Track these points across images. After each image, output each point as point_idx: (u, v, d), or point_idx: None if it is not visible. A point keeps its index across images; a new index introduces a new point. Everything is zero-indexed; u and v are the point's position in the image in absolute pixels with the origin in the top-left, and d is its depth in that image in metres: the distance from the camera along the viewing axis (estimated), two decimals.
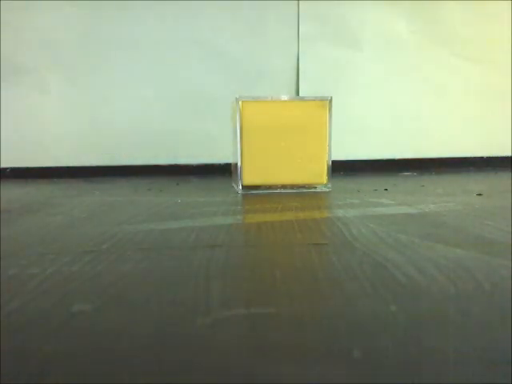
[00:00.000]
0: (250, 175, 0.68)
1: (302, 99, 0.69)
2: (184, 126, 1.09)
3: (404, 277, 0.25)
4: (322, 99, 0.67)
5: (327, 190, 0.68)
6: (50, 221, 0.47)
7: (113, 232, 0.40)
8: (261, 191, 0.68)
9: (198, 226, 0.41)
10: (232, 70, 1.07)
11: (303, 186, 0.69)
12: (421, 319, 0.20)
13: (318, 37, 1.07)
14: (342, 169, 1.04)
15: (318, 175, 0.68)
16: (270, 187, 0.69)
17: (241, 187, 0.68)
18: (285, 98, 0.68)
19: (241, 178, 0.67)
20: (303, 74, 1.07)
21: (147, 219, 0.46)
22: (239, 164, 0.67)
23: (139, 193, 0.72)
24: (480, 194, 0.61)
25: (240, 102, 0.66)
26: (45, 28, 1.04)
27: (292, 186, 0.69)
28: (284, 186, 0.68)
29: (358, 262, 0.28)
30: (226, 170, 1.03)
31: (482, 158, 1.13)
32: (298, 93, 1.08)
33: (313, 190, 0.68)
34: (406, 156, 1.11)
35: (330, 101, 0.67)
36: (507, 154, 1.11)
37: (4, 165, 1.05)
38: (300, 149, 0.67)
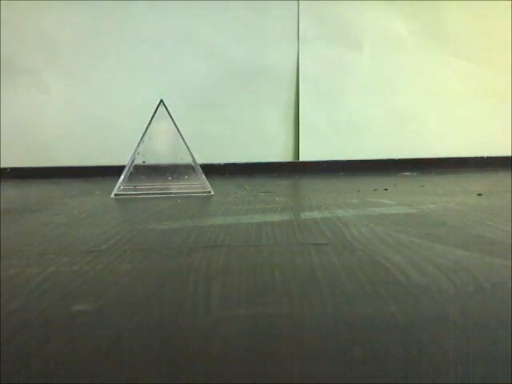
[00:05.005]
0: None
1: None
2: (183, 126, 1.09)
3: (404, 277, 0.25)
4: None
5: (328, 190, 0.68)
6: (50, 221, 0.47)
7: (113, 232, 0.40)
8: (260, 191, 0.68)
9: (198, 226, 0.41)
10: (232, 70, 1.07)
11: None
12: (420, 319, 0.20)
13: (318, 37, 1.07)
14: (342, 169, 1.04)
15: None
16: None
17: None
18: None
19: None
20: (303, 74, 1.07)
21: (147, 219, 0.46)
22: None
23: None
24: (480, 194, 0.61)
25: None
26: (45, 28, 1.04)
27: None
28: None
29: (358, 261, 0.28)
30: (226, 171, 1.04)
31: (482, 157, 1.13)
32: (297, 93, 1.08)
33: (313, 190, 0.68)
34: (406, 156, 1.11)
35: None
36: (507, 154, 1.11)
37: (4, 165, 1.05)
38: None
